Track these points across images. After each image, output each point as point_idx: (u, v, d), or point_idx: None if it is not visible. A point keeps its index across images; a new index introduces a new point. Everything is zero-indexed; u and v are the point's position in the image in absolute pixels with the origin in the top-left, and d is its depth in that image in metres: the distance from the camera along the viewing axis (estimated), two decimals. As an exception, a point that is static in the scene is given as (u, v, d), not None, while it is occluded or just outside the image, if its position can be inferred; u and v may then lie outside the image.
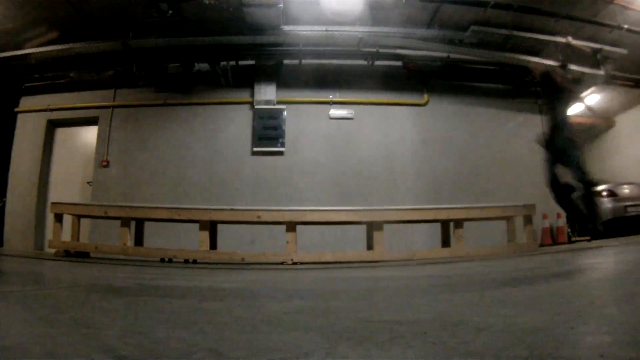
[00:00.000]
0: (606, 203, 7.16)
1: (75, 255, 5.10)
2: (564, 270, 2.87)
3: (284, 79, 7.54)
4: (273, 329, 1.16)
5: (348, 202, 6.47)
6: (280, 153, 7.36)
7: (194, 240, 5.04)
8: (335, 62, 7.50)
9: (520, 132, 7.68)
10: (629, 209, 7.02)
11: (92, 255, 5.18)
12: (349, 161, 7.37)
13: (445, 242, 5.48)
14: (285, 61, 7.47)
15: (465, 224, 5.16)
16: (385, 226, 5.04)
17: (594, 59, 7.00)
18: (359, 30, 6.69)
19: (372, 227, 5.04)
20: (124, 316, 1.39)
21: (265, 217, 5.09)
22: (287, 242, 4.92)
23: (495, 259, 4.48)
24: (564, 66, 4.70)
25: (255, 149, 7.32)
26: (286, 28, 6.62)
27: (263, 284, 2.84)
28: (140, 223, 5.52)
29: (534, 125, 7.78)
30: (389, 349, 0.88)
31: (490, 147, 7.56)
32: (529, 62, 6.77)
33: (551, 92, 4.23)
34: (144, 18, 6.33)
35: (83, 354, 0.85)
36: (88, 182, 7.48)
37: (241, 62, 7.40)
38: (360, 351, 0.87)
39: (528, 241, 5.28)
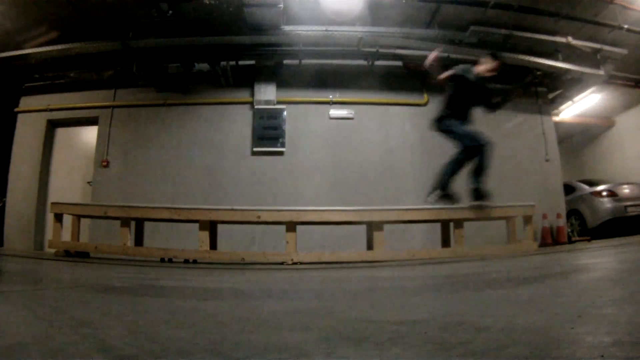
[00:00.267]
0: (606, 203, 7.17)
1: (75, 255, 5.10)
2: (564, 270, 2.87)
3: (284, 79, 7.54)
4: (273, 329, 1.16)
5: (348, 202, 6.47)
6: (280, 153, 7.36)
7: (194, 240, 5.04)
8: (335, 62, 7.49)
9: (520, 132, 7.68)
10: (629, 209, 7.02)
11: (92, 255, 5.18)
12: (349, 161, 7.36)
13: (445, 242, 5.47)
14: (285, 61, 7.47)
15: (465, 224, 5.15)
16: (385, 226, 5.03)
17: (594, 59, 7.00)
18: (359, 30, 6.69)
19: (372, 227, 5.03)
20: (124, 316, 1.39)
21: (265, 217, 5.08)
22: (287, 242, 4.92)
23: (495, 259, 4.48)
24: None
25: (255, 149, 7.32)
26: (286, 28, 6.62)
27: (263, 284, 2.84)
28: (140, 223, 5.51)
29: (534, 125, 7.80)
30: (389, 349, 0.88)
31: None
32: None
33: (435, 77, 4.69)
34: (144, 18, 6.33)
35: (83, 353, 0.85)
36: (88, 182, 7.48)
37: (241, 62, 7.39)
38: (360, 351, 0.87)
39: (528, 241, 5.27)
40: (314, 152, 7.33)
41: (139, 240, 5.41)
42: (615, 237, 6.63)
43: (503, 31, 6.62)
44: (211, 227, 5.13)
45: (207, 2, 5.95)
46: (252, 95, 7.47)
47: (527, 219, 5.34)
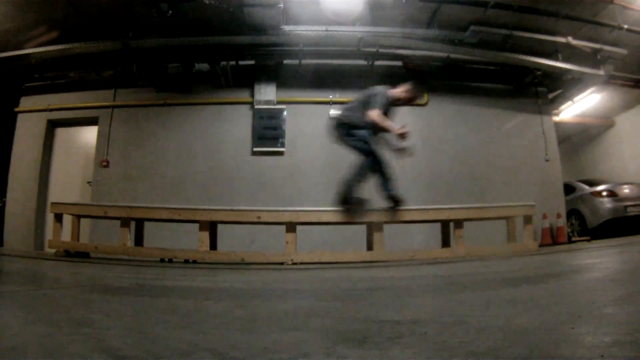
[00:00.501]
0: (606, 203, 7.17)
1: (75, 255, 5.10)
2: (564, 270, 2.87)
3: (284, 79, 7.53)
4: (273, 329, 1.16)
5: (348, 202, 6.46)
6: (280, 153, 7.35)
7: (194, 241, 5.03)
8: (335, 62, 7.48)
9: (520, 132, 7.68)
10: (629, 209, 7.02)
11: (92, 255, 5.18)
12: (349, 161, 7.34)
13: (445, 242, 5.48)
14: (285, 61, 7.46)
15: (466, 224, 5.15)
16: (385, 226, 5.03)
17: (594, 59, 7.00)
18: (359, 30, 6.68)
19: (372, 227, 5.03)
20: (124, 316, 1.39)
21: (265, 217, 5.08)
22: (287, 242, 4.92)
23: (495, 259, 4.48)
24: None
25: (255, 149, 7.32)
26: (286, 28, 6.62)
27: (263, 284, 2.84)
28: (140, 223, 5.51)
29: (534, 125, 7.80)
30: (389, 349, 0.88)
31: (490, 147, 7.55)
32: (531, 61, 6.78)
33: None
34: (144, 18, 6.32)
35: (83, 353, 0.85)
36: (88, 182, 7.48)
37: (241, 62, 7.38)
38: (360, 351, 0.87)
39: (528, 241, 5.27)
40: (314, 152, 7.32)
41: (139, 241, 5.41)
42: (615, 237, 6.63)
43: (503, 31, 6.62)
44: (211, 227, 5.13)
45: (207, 2, 5.94)
46: (252, 95, 7.46)
47: (527, 219, 5.34)
